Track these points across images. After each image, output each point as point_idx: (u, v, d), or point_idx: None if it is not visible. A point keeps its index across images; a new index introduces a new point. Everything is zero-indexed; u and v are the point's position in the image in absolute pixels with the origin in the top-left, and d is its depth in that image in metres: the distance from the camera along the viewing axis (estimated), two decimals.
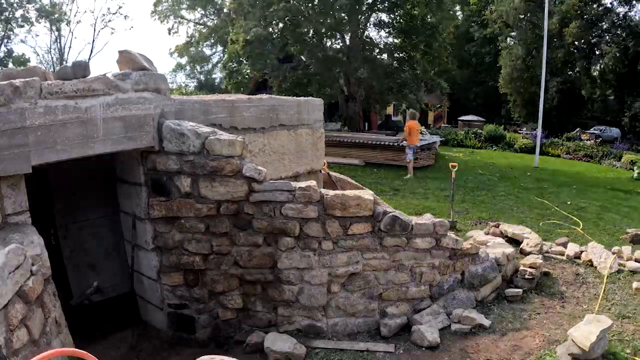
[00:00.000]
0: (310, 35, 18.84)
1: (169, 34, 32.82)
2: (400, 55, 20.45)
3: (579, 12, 25.03)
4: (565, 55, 26.14)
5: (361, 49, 19.32)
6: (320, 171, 6.57)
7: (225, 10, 21.68)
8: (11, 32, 28.16)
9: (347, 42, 19.63)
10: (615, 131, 25.89)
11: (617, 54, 24.23)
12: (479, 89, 35.38)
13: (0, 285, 2.29)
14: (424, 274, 4.58)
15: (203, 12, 27.09)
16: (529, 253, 5.98)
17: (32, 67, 3.83)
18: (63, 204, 4.90)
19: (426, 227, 4.45)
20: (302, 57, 19.38)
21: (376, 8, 19.45)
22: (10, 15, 27.18)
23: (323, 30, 18.98)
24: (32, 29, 31.22)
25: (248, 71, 21.57)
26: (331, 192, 4.23)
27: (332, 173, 7.74)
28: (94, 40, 37.53)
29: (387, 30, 20.59)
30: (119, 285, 5.19)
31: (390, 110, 29.07)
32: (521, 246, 6.25)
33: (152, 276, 4.40)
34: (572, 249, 6.50)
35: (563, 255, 6.32)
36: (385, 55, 20.75)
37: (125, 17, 39.39)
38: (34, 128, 3.24)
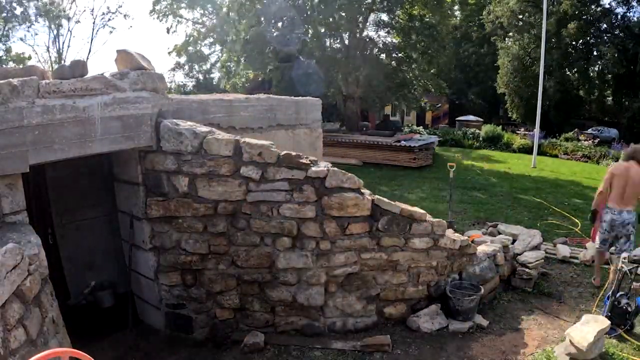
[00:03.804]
0: (309, 34, 18.83)
1: (168, 32, 32.62)
2: (399, 55, 20.45)
3: (577, 12, 25.05)
4: (563, 55, 26.17)
5: (360, 49, 19.32)
6: None
7: (224, 9, 21.58)
8: (10, 31, 28.10)
9: (346, 42, 19.62)
10: (613, 132, 25.90)
11: (616, 55, 24.26)
12: (477, 89, 35.39)
13: None
14: (422, 274, 4.58)
15: (202, 11, 27.04)
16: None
17: (30, 66, 3.82)
18: (60, 203, 4.90)
19: (424, 227, 4.46)
20: (301, 56, 19.36)
21: (375, 8, 19.44)
22: (10, 14, 27.11)
23: (322, 30, 18.97)
24: (31, 28, 31.09)
25: (248, 71, 21.54)
26: None
27: None
28: (92, 39, 37.49)
29: (386, 30, 20.59)
30: (116, 284, 5.19)
31: (388, 110, 29.06)
32: (519, 246, 6.25)
33: (150, 276, 4.40)
34: (570, 249, 6.52)
35: (561, 255, 6.33)
36: (383, 55, 20.75)
37: (125, 16, 39.38)
38: (32, 127, 3.23)
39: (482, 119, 29.54)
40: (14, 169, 3.18)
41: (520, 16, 26.75)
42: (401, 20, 19.61)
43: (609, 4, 26.08)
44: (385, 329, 4.48)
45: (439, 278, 4.68)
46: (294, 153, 4.10)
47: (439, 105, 33.60)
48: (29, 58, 29.68)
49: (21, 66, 4.00)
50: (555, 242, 6.94)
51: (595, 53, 26.69)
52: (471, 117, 29.46)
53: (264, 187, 4.08)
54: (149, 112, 4.04)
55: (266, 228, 4.15)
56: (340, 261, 4.26)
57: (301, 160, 4.05)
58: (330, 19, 18.14)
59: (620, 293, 4.41)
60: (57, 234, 4.88)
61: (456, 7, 32.27)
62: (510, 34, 28.01)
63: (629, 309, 4.29)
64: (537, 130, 17.19)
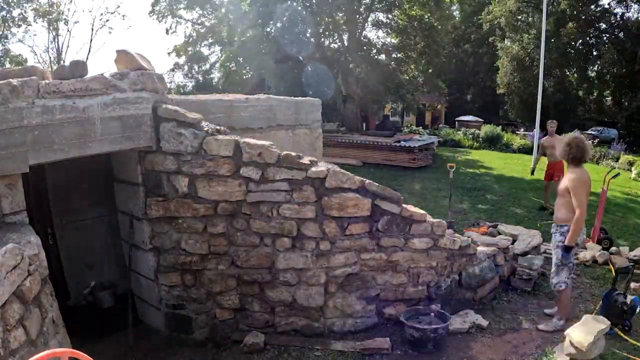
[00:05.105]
0: (308, 35, 18.83)
1: (167, 33, 32.51)
2: (398, 55, 20.46)
3: (576, 12, 25.05)
4: (562, 56, 26.17)
5: (359, 49, 19.32)
6: None
7: (223, 10, 21.58)
8: (8, 32, 28.03)
9: (345, 43, 19.63)
10: (613, 132, 25.91)
11: (615, 55, 24.27)
12: (477, 89, 35.40)
13: None
14: (422, 275, 4.58)
15: (201, 11, 27.02)
16: (527, 253, 5.98)
17: (30, 66, 3.82)
18: (60, 203, 4.90)
19: (423, 227, 4.45)
20: (300, 57, 19.37)
21: (374, 8, 19.45)
22: (8, 15, 27.06)
23: (321, 31, 18.97)
24: (29, 28, 30.97)
25: (246, 71, 21.54)
26: None
27: None
28: (91, 40, 37.45)
29: (384, 30, 20.61)
30: (116, 285, 5.18)
31: (387, 110, 29.06)
32: (519, 246, 6.25)
33: (150, 276, 4.40)
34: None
35: None
36: (382, 56, 20.76)
37: (123, 16, 39.45)
38: (32, 127, 3.23)
39: (482, 120, 29.53)
40: (14, 169, 3.18)
41: (519, 17, 26.73)
42: (400, 21, 19.62)
43: (608, 3, 25.96)
44: (385, 329, 4.48)
45: (439, 278, 4.68)
46: (293, 153, 4.10)
47: (438, 105, 33.63)
48: (26, 61, 29.60)
49: (20, 67, 3.99)
50: None
51: (594, 53, 26.70)
52: (471, 118, 29.44)
53: (264, 187, 4.08)
54: (149, 112, 4.04)
55: (266, 228, 4.15)
56: (340, 261, 4.26)
57: (301, 161, 4.06)
58: (330, 19, 18.15)
59: (617, 292, 4.42)
60: (57, 234, 4.88)
61: (454, 7, 32.30)
62: (508, 34, 27.99)
63: (625, 308, 4.29)
64: (536, 130, 17.16)
